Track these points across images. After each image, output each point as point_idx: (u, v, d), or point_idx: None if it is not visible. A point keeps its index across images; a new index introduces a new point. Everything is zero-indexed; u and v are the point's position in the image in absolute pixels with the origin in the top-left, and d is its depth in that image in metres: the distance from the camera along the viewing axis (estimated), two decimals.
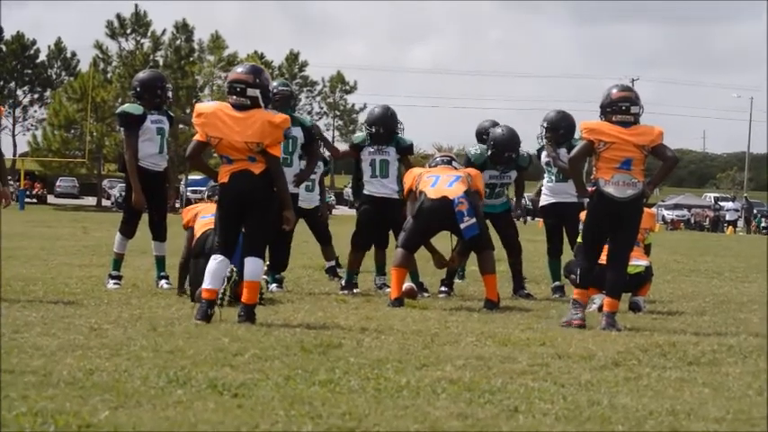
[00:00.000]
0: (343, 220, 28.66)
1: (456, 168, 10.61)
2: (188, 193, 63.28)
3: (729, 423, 4.89)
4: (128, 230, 10.91)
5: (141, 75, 11.24)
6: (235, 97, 8.19)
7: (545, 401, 5.24)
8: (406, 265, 10.17)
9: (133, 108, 10.85)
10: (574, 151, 9.10)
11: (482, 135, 12.17)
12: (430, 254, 10.67)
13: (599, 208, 8.82)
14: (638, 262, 9.87)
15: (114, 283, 10.75)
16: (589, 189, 8.94)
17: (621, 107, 8.76)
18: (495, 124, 12.13)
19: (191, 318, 7.99)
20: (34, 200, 63.42)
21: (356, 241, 11.33)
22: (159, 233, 10.95)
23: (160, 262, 10.93)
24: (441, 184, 10.09)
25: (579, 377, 6.01)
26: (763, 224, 55.70)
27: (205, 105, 8.47)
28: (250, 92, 8.18)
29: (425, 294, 11.08)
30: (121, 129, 11.09)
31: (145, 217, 11.02)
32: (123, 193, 11.09)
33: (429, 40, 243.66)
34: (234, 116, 8.12)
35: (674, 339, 7.74)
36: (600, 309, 9.59)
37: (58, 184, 73.38)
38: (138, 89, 10.94)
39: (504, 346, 7.17)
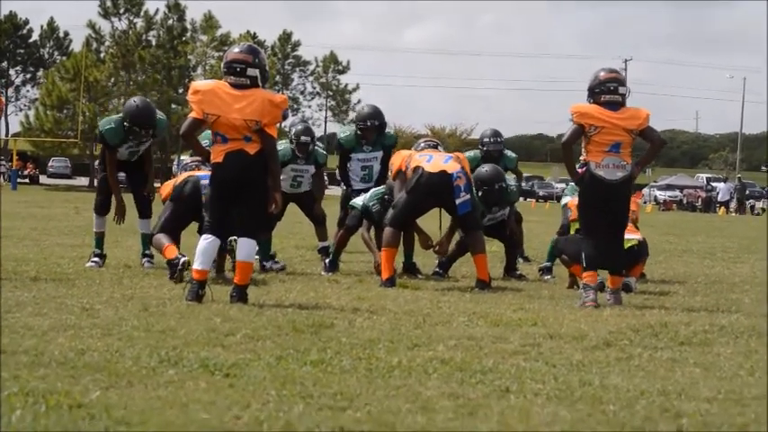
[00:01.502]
0: (336, 200, 28.58)
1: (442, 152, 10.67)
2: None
3: (721, 403, 4.89)
4: (101, 209, 11.15)
5: (128, 103, 11.25)
6: (233, 77, 8.18)
7: (536, 382, 5.25)
8: (396, 245, 10.17)
9: (110, 136, 10.91)
10: (565, 136, 9.15)
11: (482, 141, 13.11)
12: (416, 234, 10.75)
13: (591, 190, 9.01)
14: (630, 236, 9.97)
15: (92, 262, 10.86)
16: (579, 171, 9.10)
17: (610, 87, 9.00)
18: (496, 134, 12.72)
19: (182, 298, 7.99)
20: (26, 180, 63.27)
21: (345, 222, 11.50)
22: (144, 209, 11.07)
23: (145, 239, 10.99)
24: (437, 160, 10.12)
25: (571, 357, 6.02)
26: (759, 205, 55.77)
27: (202, 83, 8.48)
28: (250, 71, 8.18)
29: (419, 276, 11.09)
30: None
31: (130, 197, 11.12)
32: (100, 176, 11.22)
33: (424, 21, 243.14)
34: (233, 94, 8.11)
35: (666, 319, 7.75)
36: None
37: (50, 164, 73.23)
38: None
39: (495, 327, 7.18)
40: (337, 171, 12.42)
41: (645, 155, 9.34)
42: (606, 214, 9.03)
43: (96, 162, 10.95)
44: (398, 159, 10.45)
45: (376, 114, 12.04)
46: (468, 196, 9.99)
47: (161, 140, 65.39)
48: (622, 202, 9.10)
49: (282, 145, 11.41)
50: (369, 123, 11.90)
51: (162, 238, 9.80)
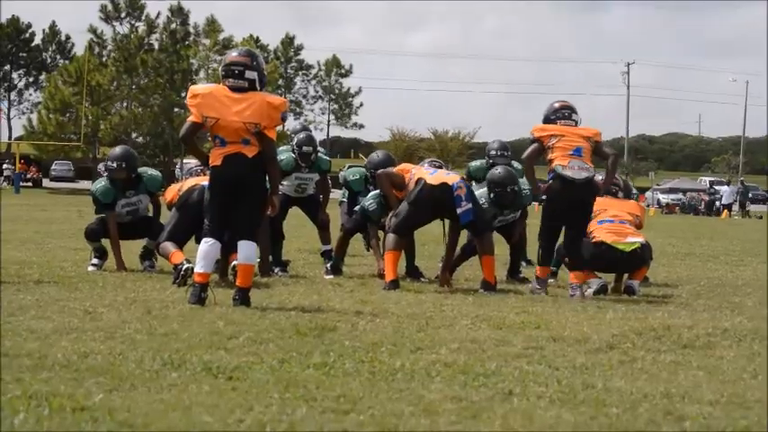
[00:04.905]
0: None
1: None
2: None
3: (724, 406, 4.89)
4: (91, 235, 11.19)
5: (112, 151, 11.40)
6: (232, 80, 8.20)
7: (539, 384, 5.25)
8: (400, 249, 10.19)
9: (102, 194, 11.02)
10: (527, 152, 10.05)
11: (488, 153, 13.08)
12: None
13: (558, 191, 9.80)
14: (633, 239, 10.03)
15: (93, 265, 10.93)
16: (543, 187, 10.01)
17: (565, 113, 10.14)
18: (503, 147, 12.83)
19: (185, 301, 7.99)
20: (29, 183, 63.25)
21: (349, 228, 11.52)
22: (154, 234, 11.16)
23: (147, 250, 11.14)
24: (440, 173, 10.20)
25: (574, 360, 6.01)
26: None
27: (201, 87, 8.50)
28: (248, 74, 8.20)
29: (422, 279, 11.09)
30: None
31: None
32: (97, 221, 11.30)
33: (427, 25, 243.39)
34: (232, 97, 8.13)
35: (669, 323, 7.75)
36: (596, 292, 9.70)
37: (53, 167, 73.23)
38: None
39: (498, 330, 7.18)
40: (340, 175, 12.43)
41: (608, 172, 10.07)
42: (570, 215, 9.81)
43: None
44: (402, 167, 10.64)
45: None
46: (470, 205, 10.00)
47: (163, 145, 65.64)
48: (588, 202, 9.87)
49: (285, 154, 11.43)
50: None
51: (169, 246, 9.84)
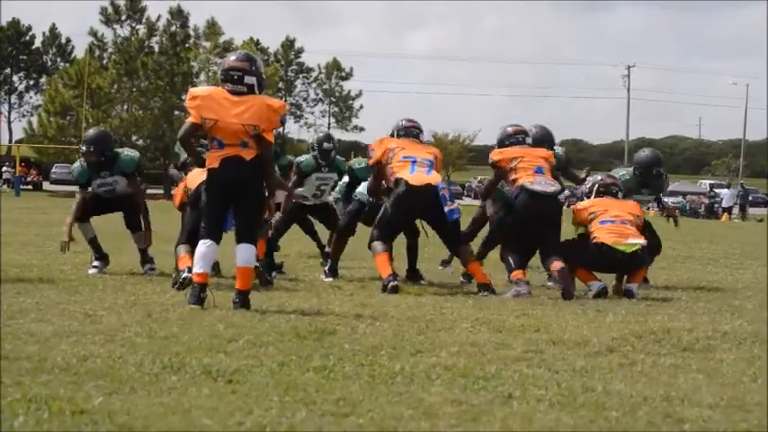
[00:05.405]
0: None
1: (422, 143, 10.66)
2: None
3: (723, 409, 4.89)
4: (80, 216, 11.32)
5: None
6: (231, 85, 8.21)
7: (539, 388, 5.24)
8: (388, 249, 10.24)
9: (78, 175, 11.24)
10: (489, 182, 10.60)
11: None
12: None
13: (526, 205, 9.97)
14: (634, 240, 10.04)
15: (94, 267, 10.97)
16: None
17: (519, 138, 10.51)
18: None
19: (185, 304, 7.99)
20: (30, 186, 63.21)
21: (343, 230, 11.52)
22: (133, 225, 11.37)
23: (143, 255, 11.22)
24: (419, 171, 10.06)
25: (573, 363, 6.01)
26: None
27: (200, 89, 8.53)
28: (247, 79, 8.22)
29: (422, 282, 11.09)
30: None
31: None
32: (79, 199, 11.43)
33: (427, 27, 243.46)
34: (231, 99, 8.16)
35: (669, 326, 7.74)
36: (595, 295, 9.69)
37: (53, 170, 73.19)
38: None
39: (498, 333, 7.18)
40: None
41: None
42: (537, 230, 9.98)
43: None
44: (380, 149, 10.41)
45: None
46: (456, 204, 10.05)
47: (164, 148, 65.61)
48: (555, 216, 10.06)
49: (304, 156, 11.61)
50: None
51: (181, 250, 9.72)
